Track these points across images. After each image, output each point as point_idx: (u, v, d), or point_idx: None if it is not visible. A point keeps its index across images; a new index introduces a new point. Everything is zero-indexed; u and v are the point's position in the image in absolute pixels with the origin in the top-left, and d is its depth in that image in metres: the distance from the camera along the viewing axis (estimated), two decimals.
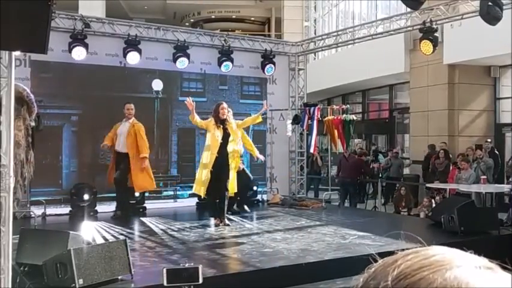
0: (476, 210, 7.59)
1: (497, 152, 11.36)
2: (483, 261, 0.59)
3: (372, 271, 0.61)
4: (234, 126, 8.13)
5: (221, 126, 7.88)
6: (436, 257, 0.58)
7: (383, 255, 0.64)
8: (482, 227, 7.26)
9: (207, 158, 7.93)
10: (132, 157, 8.78)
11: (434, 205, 9.85)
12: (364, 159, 13.52)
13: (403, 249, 0.63)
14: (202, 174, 7.93)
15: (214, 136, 7.85)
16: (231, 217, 8.77)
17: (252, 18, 25.09)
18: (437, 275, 0.55)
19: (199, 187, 8.00)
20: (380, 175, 13.11)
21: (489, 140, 11.62)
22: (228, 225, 8.02)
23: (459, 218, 6.99)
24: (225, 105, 8.07)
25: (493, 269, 0.58)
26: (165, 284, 3.98)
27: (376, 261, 0.63)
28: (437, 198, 10.55)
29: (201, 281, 4.02)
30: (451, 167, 11.31)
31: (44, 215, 8.95)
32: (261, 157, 9.11)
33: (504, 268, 0.59)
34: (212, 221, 8.30)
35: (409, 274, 0.57)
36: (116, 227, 8.00)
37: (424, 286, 0.55)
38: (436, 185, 10.74)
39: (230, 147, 8.02)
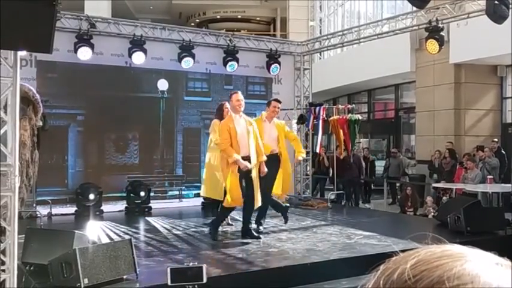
0: (482, 210, 7.55)
1: (503, 151, 11.30)
2: (506, 261, 0.59)
3: (392, 260, 0.61)
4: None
5: None
6: (457, 250, 0.59)
7: (386, 256, 0.64)
8: (489, 227, 7.22)
9: (215, 159, 7.82)
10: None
11: (438, 205, 9.82)
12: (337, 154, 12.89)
13: (411, 249, 0.62)
14: (216, 176, 7.77)
15: None
16: (236, 217, 8.76)
17: (258, 18, 25.08)
18: (456, 263, 0.56)
19: (214, 190, 7.71)
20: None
21: (495, 140, 11.56)
22: (231, 225, 8.02)
23: (465, 218, 6.95)
24: (227, 104, 7.90)
25: None
26: (169, 283, 3.98)
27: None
28: (444, 198, 10.52)
29: (205, 280, 4.02)
30: (457, 167, 11.27)
31: (49, 215, 8.98)
32: None
33: None
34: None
35: (428, 261, 0.57)
36: (121, 226, 8.02)
37: (441, 272, 0.55)
38: (443, 184, 10.71)
39: None
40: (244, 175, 6.62)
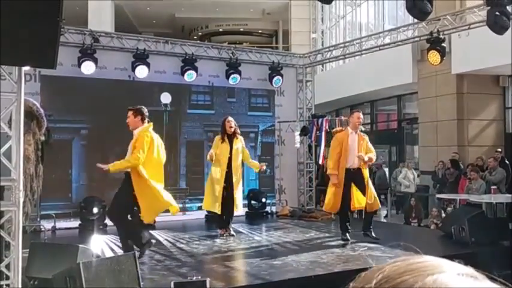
0: (487, 221, 7.52)
1: (507, 161, 11.26)
2: (469, 270, 0.59)
3: (361, 277, 0.62)
4: (241, 141, 8.13)
5: (227, 140, 7.92)
6: (422, 263, 0.59)
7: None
8: (494, 238, 7.18)
9: (217, 173, 7.91)
10: None
11: (443, 216, 9.78)
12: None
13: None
14: (215, 190, 7.86)
15: (222, 150, 7.87)
16: (240, 229, 8.76)
17: (260, 31, 25.19)
18: (418, 278, 0.56)
19: (214, 203, 7.87)
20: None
21: (499, 150, 11.53)
22: (233, 235, 8.06)
23: (470, 228, 6.93)
24: (230, 118, 8.10)
25: (477, 277, 0.58)
26: None
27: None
28: (449, 209, 10.48)
29: None
30: (461, 178, 11.23)
31: (53, 229, 8.99)
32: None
33: (492, 279, 0.59)
34: (218, 231, 8.32)
35: (392, 278, 0.58)
36: None
37: None
38: (447, 195, 10.67)
39: (235, 161, 8.02)
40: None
